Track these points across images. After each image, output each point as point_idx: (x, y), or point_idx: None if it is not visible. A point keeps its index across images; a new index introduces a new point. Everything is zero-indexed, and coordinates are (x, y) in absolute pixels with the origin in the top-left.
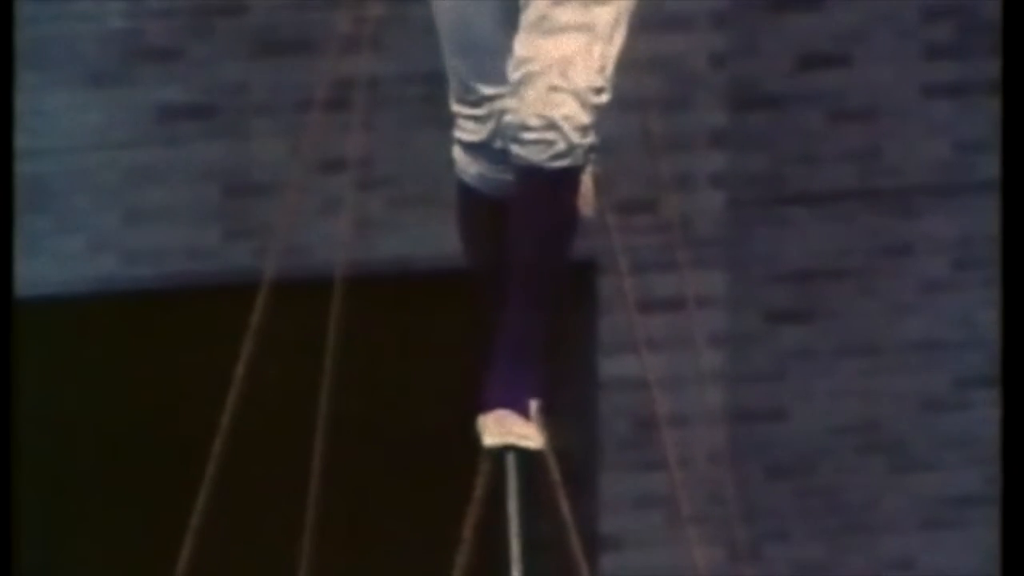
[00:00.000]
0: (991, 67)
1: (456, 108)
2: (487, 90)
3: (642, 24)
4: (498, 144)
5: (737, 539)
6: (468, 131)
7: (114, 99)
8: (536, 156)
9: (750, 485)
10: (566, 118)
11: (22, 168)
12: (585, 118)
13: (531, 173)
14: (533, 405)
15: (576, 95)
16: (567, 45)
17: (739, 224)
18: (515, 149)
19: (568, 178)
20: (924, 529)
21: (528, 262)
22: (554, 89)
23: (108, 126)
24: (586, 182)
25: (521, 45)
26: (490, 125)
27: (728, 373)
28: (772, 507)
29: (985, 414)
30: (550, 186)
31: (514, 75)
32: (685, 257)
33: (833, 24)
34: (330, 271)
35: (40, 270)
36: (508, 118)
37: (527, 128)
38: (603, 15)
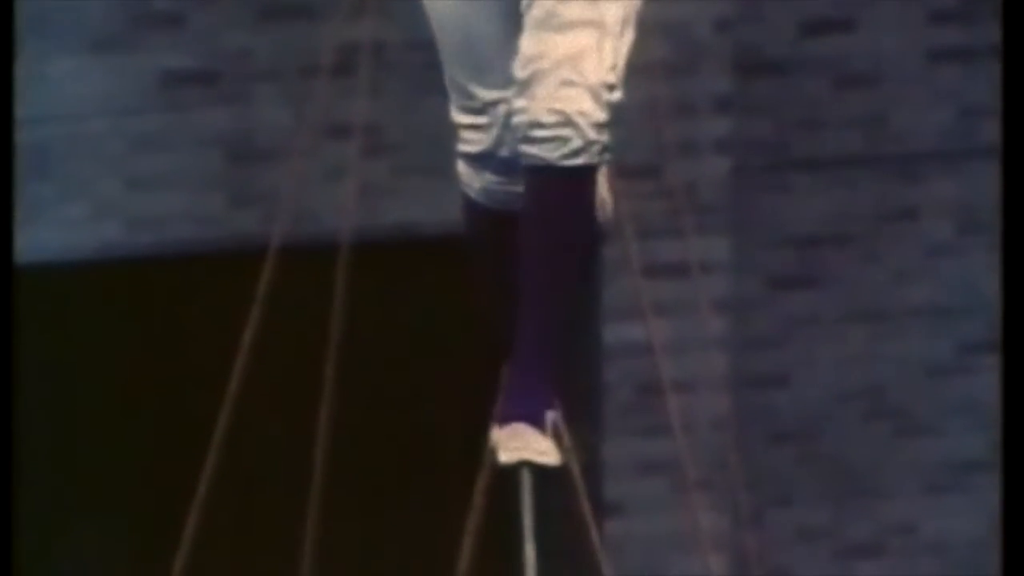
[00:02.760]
0: (995, 32)
1: (457, 118)
2: (489, 95)
3: None
4: (503, 152)
5: (740, 504)
6: (471, 142)
7: (117, 65)
8: (550, 154)
9: (754, 451)
10: (581, 113)
11: (25, 135)
12: (600, 114)
13: (544, 172)
14: (549, 416)
15: (590, 90)
16: (577, 41)
17: (743, 190)
18: (527, 149)
19: (583, 177)
20: (927, 494)
21: (542, 269)
22: (567, 84)
23: (111, 92)
24: (602, 183)
25: (528, 43)
26: (493, 132)
27: (732, 339)
28: (776, 473)
29: (988, 379)
30: (564, 185)
31: (522, 73)
32: (689, 223)
33: None
34: (336, 237)
35: (43, 237)
36: (518, 118)
37: (540, 125)
38: (612, 10)
